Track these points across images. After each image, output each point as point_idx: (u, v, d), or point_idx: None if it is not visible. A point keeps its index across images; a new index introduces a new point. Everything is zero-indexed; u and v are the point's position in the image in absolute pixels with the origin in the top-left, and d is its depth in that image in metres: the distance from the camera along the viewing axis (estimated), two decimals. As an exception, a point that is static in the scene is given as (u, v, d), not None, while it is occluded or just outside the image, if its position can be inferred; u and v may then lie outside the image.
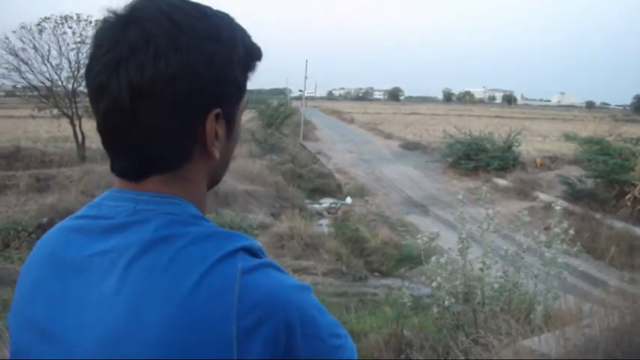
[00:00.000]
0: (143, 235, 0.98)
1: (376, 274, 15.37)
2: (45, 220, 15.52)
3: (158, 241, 0.97)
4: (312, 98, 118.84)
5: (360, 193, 25.88)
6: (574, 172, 24.54)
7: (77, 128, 26.08)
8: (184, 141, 1.04)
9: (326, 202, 24.60)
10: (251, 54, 1.12)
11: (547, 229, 7.14)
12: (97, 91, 1.00)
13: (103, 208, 1.06)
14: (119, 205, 1.05)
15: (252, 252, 1.01)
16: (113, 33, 1.00)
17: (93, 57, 1.02)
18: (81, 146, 26.10)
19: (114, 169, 1.07)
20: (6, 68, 25.35)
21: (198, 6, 1.06)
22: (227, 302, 0.92)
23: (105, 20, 1.03)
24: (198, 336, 0.90)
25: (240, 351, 0.90)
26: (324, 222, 21.52)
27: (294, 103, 58.34)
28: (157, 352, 0.91)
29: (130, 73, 0.96)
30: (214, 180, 1.17)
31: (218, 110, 1.04)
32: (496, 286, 6.32)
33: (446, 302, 6.23)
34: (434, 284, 6.39)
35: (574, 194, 21.73)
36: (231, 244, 0.98)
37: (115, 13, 1.02)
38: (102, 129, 1.03)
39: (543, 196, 22.92)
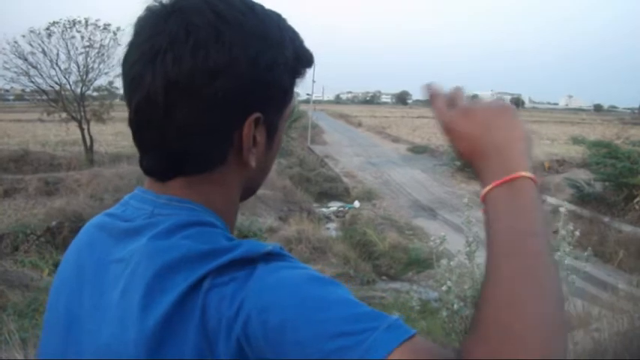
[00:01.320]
0: (142, 244, 0.93)
1: (384, 277, 15.37)
2: (54, 223, 15.58)
3: (152, 253, 0.91)
4: (320, 102, 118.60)
5: (368, 196, 25.87)
6: (582, 175, 24.53)
7: (85, 132, 26.18)
8: (218, 143, 0.96)
9: (334, 206, 24.62)
10: (301, 59, 1.03)
11: (555, 232, 7.10)
12: (132, 81, 0.94)
13: (128, 209, 1.02)
14: (141, 208, 1.00)
15: (244, 262, 0.87)
16: (154, 22, 0.94)
17: (131, 46, 0.96)
18: (89, 150, 26.20)
19: (142, 165, 1.01)
20: (15, 72, 25.57)
21: (247, 1, 0.98)
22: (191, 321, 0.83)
23: (148, 8, 0.96)
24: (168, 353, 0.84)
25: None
26: (332, 226, 21.53)
27: (302, 107, 58.12)
28: None
29: (167, 64, 0.89)
30: (250, 190, 1.10)
31: (258, 115, 0.97)
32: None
33: (455, 306, 6.22)
34: (443, 288, 6.37)
35: (582, 197, 21.71)
36: (205, 267, 0.86)
37: (159, 1, 0.96)
38: (133, 122, 0.97)
39: (551, 200, 22.86)
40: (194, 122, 0.92)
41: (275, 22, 1.00)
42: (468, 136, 0.98)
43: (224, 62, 0.90)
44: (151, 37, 0.92)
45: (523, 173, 0.89)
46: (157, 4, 0.96)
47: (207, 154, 0.97)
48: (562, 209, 6.72)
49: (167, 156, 0.97)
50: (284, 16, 1.05)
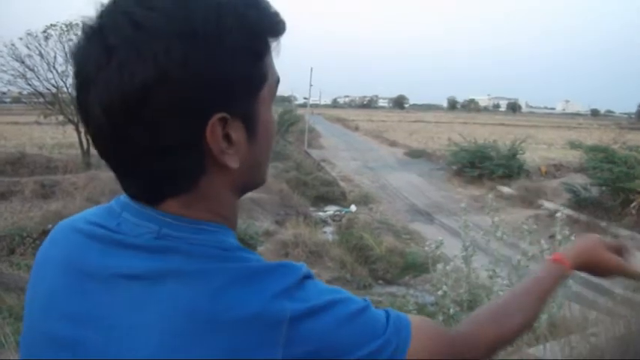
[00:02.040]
0: (174, 266, 0.87)
1: (381, 281, 15.38)
2: (50, 226, 15.42)
3: (193, 274, 0.86)
4: (317, 106, 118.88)
5: (365, 200, 25.87)
6: (579, 180, 24.56)
7: (82, 135, 26.12)
8: (187, 157, 0.88)
9: (330, 210, 24.61)
10: (259, 34, 0.91)
11: (552, 237, 7.11)
12: (82, 117, 0.90)
13: (124, 223, 0.94)
14: (141, 225, 0.92)
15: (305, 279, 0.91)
16: (81, 49, 0.87)
17: (74, 76, 0.89)
18: (86, 153, 26.14)
19: (126, 192, 0.96)
20: (12, 75, 25.54)
21: None
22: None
23: (81, 33, 0.89)
24: None
25: None
26: (329, 229, 21.52)
27: (299, 111, 58.22)
28: None
29: (99, 93, 0.83)
30: (248, 186, 1.02)
31: (221, 115, 0.87)
32: (501, 293, 6.29)
33: (451, 310, 6.22)
34: (439, 292, 6.39)
35: (579, 202, 21.73)
36: (279, 283, 0.87)
37: (86, 23, 0.88)
38: (99, 154, 0.92)
39: (548, 204, 22.89)
40: (150, 144, 0.85)
41: (204, 9, 0.85)
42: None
43: (152, 77, 0.81)
44: (81, 67, 0.87)
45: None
46: (86, 25, 0.87)
47: (181, 171, 0.90)
48: (559, 214, 6.74)
49: (143, 182, 0.92)
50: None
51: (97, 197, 17.72)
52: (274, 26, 0.94)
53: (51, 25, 25.46)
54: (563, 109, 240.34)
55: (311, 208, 24.44)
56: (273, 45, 0.95)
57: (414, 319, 0.98)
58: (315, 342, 0.84)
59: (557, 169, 31.58)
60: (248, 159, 0.94)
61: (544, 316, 6.05)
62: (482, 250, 7.12)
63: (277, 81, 0.98)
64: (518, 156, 30.25)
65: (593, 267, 1.32)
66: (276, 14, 0.94)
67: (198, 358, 0.81)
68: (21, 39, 25.12)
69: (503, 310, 1.16)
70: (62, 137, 28.65)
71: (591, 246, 1.32)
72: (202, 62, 0.84)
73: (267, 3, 0.94)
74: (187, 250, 0.89)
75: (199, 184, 0.92)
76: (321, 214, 24.01)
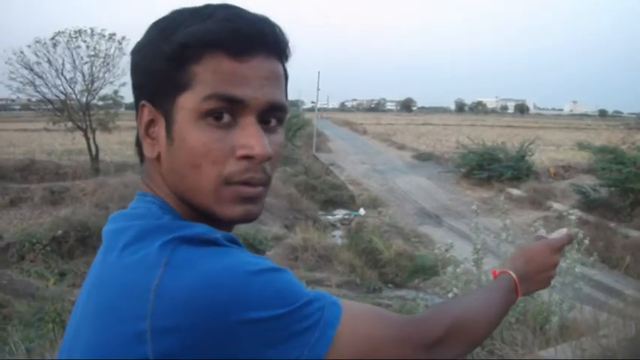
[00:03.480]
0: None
1: (390, 285, 15.32)
2: (59, 232, 15.56)
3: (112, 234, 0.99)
4: (325, 110, 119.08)
5: (374, 204, 25.84)
6: (588, 181, 24.48)
7: (91, 141, 26.23)
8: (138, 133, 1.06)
9: (339, 214, 24.60)
10: (185, 43, 0.96)
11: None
12: None
13: None
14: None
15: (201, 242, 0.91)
16: None
17: None
18: (95, 159, 26.24)
19: None
20: (21, 82, 25.65)
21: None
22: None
23: None
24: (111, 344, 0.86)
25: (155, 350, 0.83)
26: (338, 233, 21.52)
27: (307, 115, 58.27)
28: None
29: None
30: (177, 191, 1.02)
31: (144, 102, 1.02)
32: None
33: (461, 313, 6.18)
34: (449, 295, 6.35)
35: (588, 203, 21.65)
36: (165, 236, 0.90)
37: None
38: None
39: (557, 206, 22.83)
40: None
41: (173, 20, 1.02)
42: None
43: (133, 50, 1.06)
44: None
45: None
46: None
47: (137, 140, 1.08)
48: (572, 217, 6.70)
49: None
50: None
51: (105, 203, 17.72)
52: (190, 38, 0.96)
53: (59, 32, 25.56)
54: (571, 110, 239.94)
55: (320, 212, 24.41)
56: (220, 61, 0.96)
57: (348, 302, 0.99)
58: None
59: (565, 170, 31.48)
60: (168, 160, 1.01)
61: (555, 319, 6.03)
62: (492, 252, 7.09)
63: (209, 97, 0.95)
64: (526, 158, 30.14)
65: (530, 261, 1.36)
66: (235, 32, 0.97)
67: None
68: (29, 46, 25.23)
69: (464, 298, 1.27)
70: (71, 144, 28.70)
71: (521, 249, 1.40)
72: (141, 55, 1.03)
73: (249, 20, 1.00)
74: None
75: (144, 159, 1.08)
76: (330, 217, 24.02)
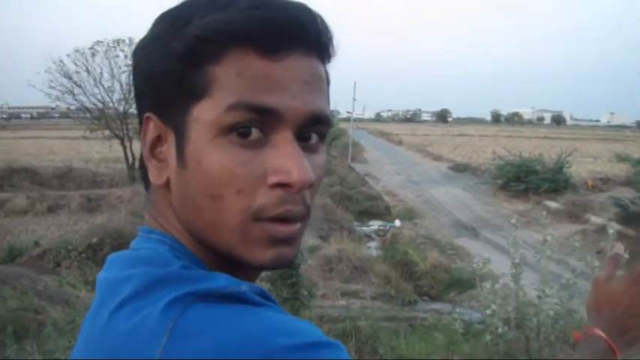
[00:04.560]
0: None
1: (425, 298, 15.21)
2: (95, 240, 15.70)
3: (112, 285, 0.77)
4: (361, 120, 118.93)
5: (409, 215, 25.72)
6: (626, 193, 24.24)
7: (128, 149, 26.56)
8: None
9: (375, 225, 24.46)
10: (208, 37, 0.74)
11: (599, 252, 6.94)
12: None
13: None
14: None
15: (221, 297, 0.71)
16: None
17: None
18: (131, 167, 26.58)
19: None
20: (60, 91, 26.21)
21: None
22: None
23: None
24: None
25: None
26: (373, 244, 21.41)
27: (342, 125, 58.27)
28: None
29: None
30: (191, 227, 0.81)
31: (148, 114, 0.80)
32: (551, 313, 6.14)
33: (499, 330, 6.08)
34: (487, 312, 6.24)
35: (627, 216, 21.35)
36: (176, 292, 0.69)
37: None
38: None
39: (595, 219, 22.54)
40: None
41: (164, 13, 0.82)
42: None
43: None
44: None
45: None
46: None
47: (141, 161, 0.86)
48: (611, 231, 6.57)
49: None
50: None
51: (141, 211, 17.85)
52: (212, 36, 0.75)
53: (97, 41, 26.02)
54: (608, 122, 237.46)
55: (355, 223, 24.29)
56: (243, 59, 0.74)
57: None
58: None
59: (603, 182, 31.16)
60: (179, 187, 0.80)
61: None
62: (529, 265, 6.97)
63: (233, 107, 0.73)
64: (564, 170, 29.82)
65: (614, 305, 1.16)
66: (266, 22, 0.74)
67: None
68: (69, 55, 25.69)
69: None
70: (108, 151, 29.13)
71: (597, 293, 1.20)
72: (145, 55, 0.81)
73: (283, 7, 0.76)
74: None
75: (149, 186, 0.86)
76: (365, 228, 23.89)
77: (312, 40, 0.78)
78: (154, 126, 0.80)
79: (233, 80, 0.74)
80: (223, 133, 0.74)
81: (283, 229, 0.77)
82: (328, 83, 0.84)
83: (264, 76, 0.74)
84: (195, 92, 0.75)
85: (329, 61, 0.84)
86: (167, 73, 0.77)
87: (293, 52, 0.76)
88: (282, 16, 0.75)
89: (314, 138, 0.81)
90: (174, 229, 0.82)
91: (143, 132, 0.81)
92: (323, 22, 0.81)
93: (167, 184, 0.81)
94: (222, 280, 0.72)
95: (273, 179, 0.74)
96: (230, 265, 0.78)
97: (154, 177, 0.81)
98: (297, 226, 0.79)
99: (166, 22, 0.79)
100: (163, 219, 0.84)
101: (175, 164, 0.78)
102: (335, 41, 0.83)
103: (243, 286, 0.72)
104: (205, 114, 0.74)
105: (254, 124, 0.74)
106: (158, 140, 0.81)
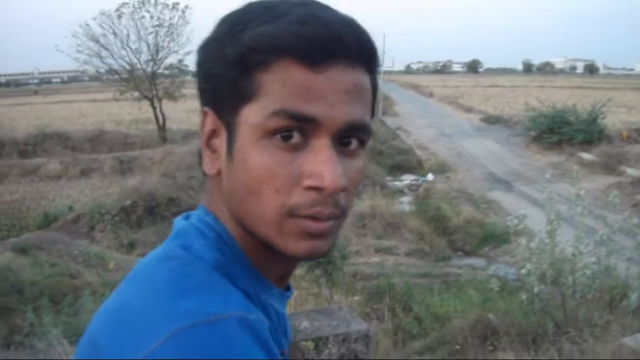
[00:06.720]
0: None
1: (459, 253, 15.22)
2: (128, 202, 15.83)
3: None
4: (390, 72, 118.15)
5: (442, 169, 25.66)
6: (663, 145, 23.83)
7: (157, 110, 26.66)
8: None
9: (407, 179, 24.39)
10: (256, 48, 0.81)
11: (635, 205, 6.82)
12: None
13: None
14: None
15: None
16: None
17: None
18: (162, 128, 26.73)
19: None
20: (88, 54, 26.29)
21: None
22: None
23: None
24: None
25: None
26: (405, 199, 21.38)
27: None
28: None
29: None
30: (237, 215, 0.88)
31: (206, 109, 0.89)
32: (588, 272, 6.04)
33: (535, 289, 6.01)
34: (523, 271, 6.17)
35: (664, 168, 21.09)
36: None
37: None
38: None
39: (631, 171, 22.26)
40: None
41: (229, 15, 0.89)
42: None
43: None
44: None
45: None
46: None
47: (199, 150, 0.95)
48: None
49: None
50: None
51: (172, 172, 17.95)
52: (260, 46, 0.81)
53: (123, 3, 26.00)
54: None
55: (387, 178, 24.21)
56: (288, 68, 0.80)
57: None
58: None
59: (639, 133, 30.65)
60: (228, 179, 0.87)
61: (634, 295, 5.80)
62: (564, 220, 6.85)
63: (276, 113, 0.80)
64: (598, 120, 29.32)
65: None
66: (309, 38, 0.80)
67: None
68: (95, 19, 25.72)
69: None
70: (139, 113, 29.25)
71: None
72: (205, 55, 0.89)
73: (328, 22, 0.82)
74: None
75: (206, 174, 0.93)
76: (397, 183, 23.84)
77: (354, 53, 0.84)
78: (210, 120, 0.89)
79: (277, 89, 0.80)
80: (267, 136, 0.81)
81: (315, 225, 0.83)
82: (375, 91, 0.91)
83: (306, 86, 0.80)
84: (244, 96, 0.83)
85: (373, 72, 0.90)
86: (221, 75, 0.85)
87: (335, 64, 0.82)
88: (325, 32, 0.81)
89: (354, 144, 0.87)
90: (224, 217, 0.90)
91: (201, 124, 0.90)
92: (367, 35, 0.87)
93: (219, 174, 0.89)
94: (236, 306, 0.76)
95: (307, 182, 0.81)
96: (270, 253, 0.87)
97: (207, 167, 0.90)
98: (330, 223, 0.85)
99: (225, 27, 0.87)
100: (215, 206, 0.92)
101: (225, 158, 0.87)
102: (378, 54, 0.91)
103: (253, 315, 0.76)
104: (251, 117, 0.82)
105: (295, 128, 0.81)
106: (213, 133, 0.89)
